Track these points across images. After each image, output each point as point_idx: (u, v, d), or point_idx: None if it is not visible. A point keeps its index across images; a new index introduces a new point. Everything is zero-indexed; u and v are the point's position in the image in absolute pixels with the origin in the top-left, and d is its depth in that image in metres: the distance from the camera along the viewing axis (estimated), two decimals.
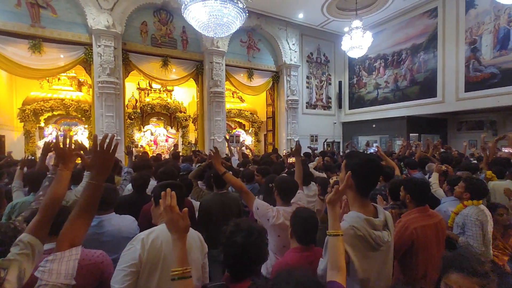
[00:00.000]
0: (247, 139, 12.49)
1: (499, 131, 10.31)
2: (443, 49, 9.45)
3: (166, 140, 10.71)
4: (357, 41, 8.52)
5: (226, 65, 9.60)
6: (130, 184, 2.84)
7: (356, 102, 12.67)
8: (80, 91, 9.20)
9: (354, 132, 12.96)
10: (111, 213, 1.92)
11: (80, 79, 9.26)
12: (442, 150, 6.70)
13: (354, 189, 1.34)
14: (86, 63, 7.58)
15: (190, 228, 1.60)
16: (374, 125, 11.95)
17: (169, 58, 8.67)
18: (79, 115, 8.70)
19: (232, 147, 6.96)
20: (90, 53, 7.43)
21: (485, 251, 2.22)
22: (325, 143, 9.02)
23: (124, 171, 3.28)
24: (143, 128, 10.15)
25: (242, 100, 12.48)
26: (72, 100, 8.54)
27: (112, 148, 1.19)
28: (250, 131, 13.01)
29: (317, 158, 6.03)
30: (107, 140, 1.19)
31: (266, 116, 12.19)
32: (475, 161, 5.02)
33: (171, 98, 10.94)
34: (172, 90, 11.10)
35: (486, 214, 2.33)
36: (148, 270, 1.32)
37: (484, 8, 8.31)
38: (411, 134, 10.89)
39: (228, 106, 11.58)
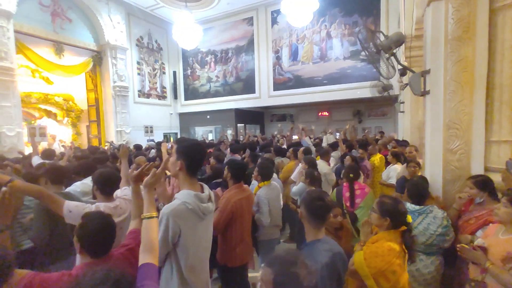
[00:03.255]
0: (61, 131, 10.00)
1: (295, 122, 13.83)
2: (258, 53, 11.36)
3: None
4: (187, 32, 8.62)
5: (17, 31, 7.09)
6: None
7: (191, 93, 13.03)
8: None
9: (191, 123, 13.34)
10: None
11: None
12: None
13: (184, 170, 1.45)
14: None
15: None
16: (208, 116, 12.77)
17: None
18: None
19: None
20: None
21: (270, 222, 2.69)
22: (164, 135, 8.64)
23: None
24: None
25: (49, 81, 9.71)
26: None
27: None
28: (65, 121, 10.47)
29: None
30: None
31: (87, 103, 10.17)
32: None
33: None
34: None
35: (275, 191, 2.83)
36: None
37: (283, 26, 10.67)
38: (238, 125, 12.52)
39: (26, 88, 8.75)
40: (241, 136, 10.81)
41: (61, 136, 9.82)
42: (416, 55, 3.65)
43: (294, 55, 10.61)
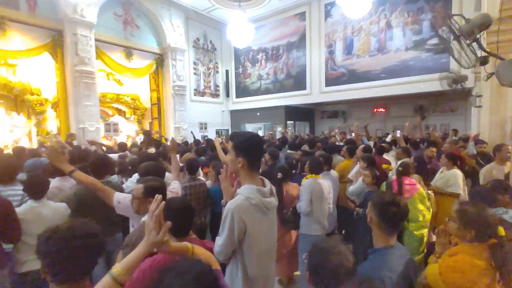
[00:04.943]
0: (129, 127, 11.18)
1: (348, 119, 13.22)
2: (310, 49, 11.11)
3: (11, 131, 8.19)
4: (240, 32, 8.85)
5: (97, 40, 8.11)
6: None
7: (243, 91, 13.37)
8: None
9: (242, 120, 13.70)
10: None
11: None
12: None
13: (245, 166, 1.40)
14: None
15: None
16: (258, 113, 12.97)
17: (6, 21, 6.51)
18: None
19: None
20: None
21: (310, 215, 2.76)
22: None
23: None
24: None
25: (120, 83, 10.95)
26: None
27: None
28: (132, 118, 11.69)
29: None
30: None
31: (150, 102, 11.18)
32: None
33: (14, 75, 8.35)
34: (15, 66, 8.47)
35: (321, 186, 2.83)
36: None
37: (337, 19, 10.23)
38: (288, 122, 12.46)
39: (103, 89, 9.96)
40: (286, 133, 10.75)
41: (128, 132, 11.01)
42: (504, 40, 3.16)
43: (348, 49, 10.12)
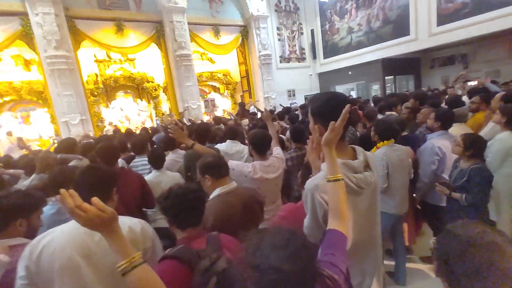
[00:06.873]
0: (224, 102, 12.08)
1: (470, 65, 10.50)
2: None
3: (139, 115, 10.13)
4: None
5: (189, 23, 8.78)
6: None
7: (331, 50, 12.28)
8: (29, 70, 8.23)
9: (331, 82, 12.77)
10: None
11: (25, 57, 8.22)
12: None
13: None
14: (27, 37, 6.64)
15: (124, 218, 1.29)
16: (350, 72, 11.78)
17: (122, 22, 7.75)
18: (35, 98, 7.90)
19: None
20: (28, 24, 6.47)
21: (389, 189, 2.34)
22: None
23: None
24: (110, 104, 9.45)
25: (212, 61, 11.78)
26: (22, 82, 7.67)
27: None
28: (225, 93, 12.54)
29: None
30: None
31: (240, 76, 11.67)
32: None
33: (134, 68, 10.08)
34: (134, 59, 10.19)
35: (399, 153, 2.36)
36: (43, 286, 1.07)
37: None
38: (386, 77, 10.87)
39: (198, 70, 10.93)
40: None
41: (224, 106, 11.94)
42: None
43: None
